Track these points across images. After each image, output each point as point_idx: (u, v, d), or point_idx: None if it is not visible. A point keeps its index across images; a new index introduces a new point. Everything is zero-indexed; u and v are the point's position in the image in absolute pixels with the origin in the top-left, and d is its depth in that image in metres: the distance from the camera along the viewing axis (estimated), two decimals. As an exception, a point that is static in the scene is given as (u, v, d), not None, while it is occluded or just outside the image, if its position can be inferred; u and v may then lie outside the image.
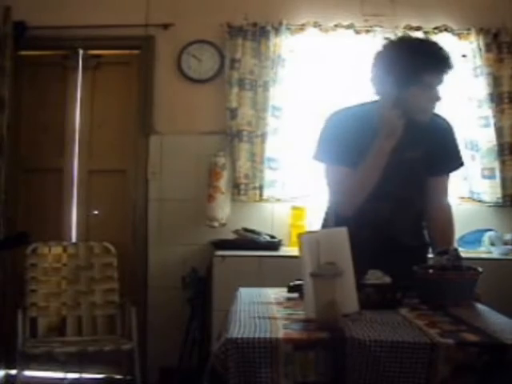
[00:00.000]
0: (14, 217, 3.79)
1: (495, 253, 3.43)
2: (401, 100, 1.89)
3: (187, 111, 3.82)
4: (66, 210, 3.90)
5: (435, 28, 3.67)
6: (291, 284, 1.94)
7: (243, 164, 3.67)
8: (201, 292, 3.55)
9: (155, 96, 3.83)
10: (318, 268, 1.53)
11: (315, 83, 3.74)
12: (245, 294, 1.96)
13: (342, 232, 1.67)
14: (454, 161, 2.15)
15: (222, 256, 3.32)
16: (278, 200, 3.70)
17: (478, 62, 3.62)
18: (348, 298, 1.58)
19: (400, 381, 1.33)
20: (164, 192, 3.81)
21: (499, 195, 3.61)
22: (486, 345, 1.34)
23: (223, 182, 3.60)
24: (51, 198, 3.91)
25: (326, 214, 2.23)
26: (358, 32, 3.70)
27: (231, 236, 3.58)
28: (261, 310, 1.69)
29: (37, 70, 3.91)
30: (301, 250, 1.58)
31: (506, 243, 3.46)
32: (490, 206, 3.67)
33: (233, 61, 3.69)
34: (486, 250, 3.50)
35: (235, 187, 3.68)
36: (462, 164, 2.17)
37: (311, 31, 3.71)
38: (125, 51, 3.94)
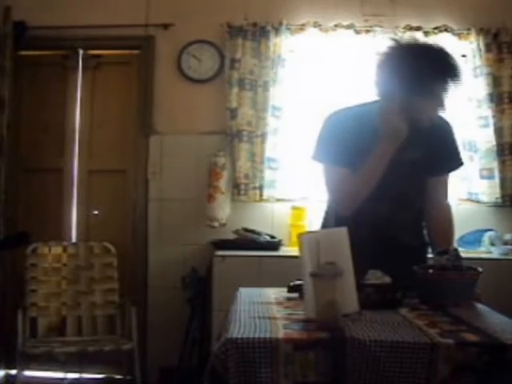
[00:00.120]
0: (14, 217, 3.79)
1: (495, 253, 3.43)
2: (406, 105, 1.87)
3: (187, 111, 3.82)
4: (66, 210, 3.90)
5: (435, 28, 3.68)
6: (291, 284, 1.94)
7: (243, 164, 3.67)
8: (201, 292, 3.55)
9: (155, 96, 3.83)
10: (318, 268, 1.53)
11: (315, 83, 3.74)
12: (245, 294, 1.96)
13: (342, 232, 1.66)
14: (453, 160, 2.14)
15: (222, 256, 3.32)
16: (278, 200, 3.70)
17: (478, 62, 3.63)
18: (348, 297, 1.58)
19: (400, 381, 1.33)
20: (164, 192, 3.81)
21: (498, 195, 3.61)
22: (486, 345, 1.34)
23: (223, 182, 3.60)
24: (51, 198, 3.91)
25: (326, 213, 2.23)
26: (357, 32, 3.70)
27: (231, 236, 3.58)
28: (261, 310, 1.69)
29: (37, 70, 3.91)
30: (301, 249, 1.58)
31: (505, 243, 3.46)
32: (489, 206, 3.67)
33: (233, 61, 3.69)
34: (486, 250, 3.50)
35: (235, 187, 3.68)
36: (461, 164, 2.17)
37: (311, 31, 3.71)
38: (125, 51, 3.94)
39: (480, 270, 1.80)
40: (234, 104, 3.67)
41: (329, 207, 2.19)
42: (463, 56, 3.66)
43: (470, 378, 1.32)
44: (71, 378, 3.65)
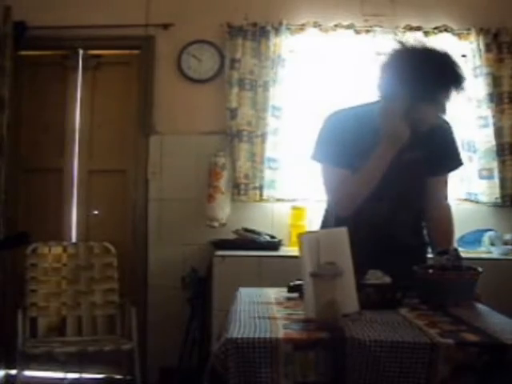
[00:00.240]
0: (14, 217, 3.79)
1: (495, 253, 3.43)
2: (408, 108, 1.86)
3: (187, 111, 3.82)
4: (66, 210, 3.90)
5: (435, 28, 3.68)
6: (291, 284, 1.94)
7: (243, 164, 3.67)
8: (201, 292, 3.55)
9: (155, 96, 3.83)
10: (318, 268, 1.53)
11: (315, 83, 3.75)
12: (245, 294, 1.96)
13: (342, 232, 1.66)
14: (453, 160, 2.14)
15: (222, 256, 3.32)
16: (278, 200, 3.70)
17: (478, 62, 3.63)
18: (348, 297, 1.58)
19: (400, 381, 1.33)
20: (164, 192, 3.81)
21: (497, 195, 3.61)
22: (486, 345, 1.34)
23: (223, 182, 3.60)
24: (51, 198, 3.91)
25: (326, 211, 2.23)
26: (357, 32, 3.70)
27: (231, 236, 3.58)
28: (261, 310, 1.69)
29: (37, 70, 3.91)
30: (301, 249, 1.58)
31: (505, 243, 3.46)
32: (489, 206, 3.67)
33: (233, 61, 3.69)
34: (486, 250, 3.50)
35: (235, 187, 3.68)
36: (461, 164, 2.17)
37: (311, 31, 3.71)
38: (125, 51, 3.94)
39: (480, 269, 1.80)
40: (234, 104, 3.67)
41: (328, 207, 2.19)
42: (463, 56, 3.67)
43: (470, 378, 1.32)
44: (71, 377, 3.65)
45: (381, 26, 3.68)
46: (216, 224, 3.60)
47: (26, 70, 3.87)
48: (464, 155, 3.46)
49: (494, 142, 3.61)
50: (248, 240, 3.52)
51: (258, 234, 3.57)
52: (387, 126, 1.90)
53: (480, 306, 1.77)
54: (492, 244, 3.49)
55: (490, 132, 3.61)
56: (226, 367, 1.34)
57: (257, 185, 3.68)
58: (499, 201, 3.61)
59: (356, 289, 1.62)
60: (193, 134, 3.81)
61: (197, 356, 3.52)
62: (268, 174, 3.66)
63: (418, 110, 1.86)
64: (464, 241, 3.51)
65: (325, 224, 2.20)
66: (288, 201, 3.70)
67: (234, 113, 3.67)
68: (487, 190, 3.63)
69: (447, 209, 2.15)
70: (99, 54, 3.93)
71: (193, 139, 3.80)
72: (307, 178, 3.61)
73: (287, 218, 3.68)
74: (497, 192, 3.61)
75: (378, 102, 1.99)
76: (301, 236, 1.61)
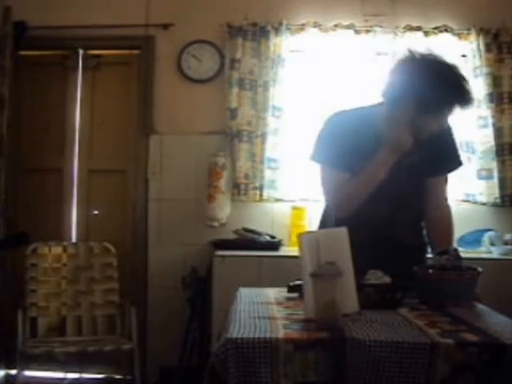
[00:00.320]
0: (14, 217, 3.79)
1: (495, 253, 3.43)
2: (413, 118, 1.86)
3: (187, 111, 3.82)
4: (66, 210, 3.90)
5: (435, 28, 3.68)
6: (291, 284, 1.94)
7: (243, 164, 3.67)
8: (201, 292, 3.55)
9: (155, 96, 3.83)
10: (318, 268, 1.53)
11: (315, 83, 3.74)
12: (245, 294, 1.96)
13: (342, 232, 1.67)
14: (452, 161, 2.14)
15: (222, 256, 3.32)
16: (278, 200, 3.70)
17: (478, 62, 3.63)
18: (348, 297, 1.58)
19: (400, 381, 1.33)
20: (164, 192, 3.81)
21: (497, 195, 3.60)
22: (486, 345, 1.34)
23: (223, 182, 3.60)
24: (51, 198, 3.90)
25: (325, 211, 2.23)
26: (357, 32, 3.70)
27: (231, 236, 3.58)
28: (261, 310, 1.69)
29: (37, 70, 3.91)
30: (301, 249, 1.58)
31: (506, 243, 3.46)
32: (489, 206, 3.67)
33: (233, 61, 3.69)
34: (485, 250, 3.50)
35: (235, 187, 3.68)
36: (460, 164, 2.17)
37: (311, 31, 3.71)
38: (125, 51, 3.94)
39: (480, 269, 1.80)
40: (234, 104, 3.67)
41: (327, 207, 2.19)
42: (463, 56, 3.67)
43: (470, 378, 1.32)
44: (71, 378, 3.65)
45: (381, 26, 3.68)
46: (216, 224, 3.60)
47: (26, 70, 3.87)
48: (463, 156, 3.47)
49: (493, 143, 3.61)
50: (248, 240, 3.52)
51: (258, 234, 3.57)
52: (391, 133, 1.89)
53: (480, 306, 1.77)
54: (492, 244, 3.48)
55: (489, 132, 3.61)
56: (226, 367, 1.34)
57: (257, 185, 3.68)
58: (498, 201, 3.61)
59: (356, 289, 1.63)
60: (193, 134, 3.81)
61: (197, 356, 3.52)
62: (268, 174, 3.65)
63: (422, 120, 1.85)
64: (464, 241, 3.51)
65: (323, 223, 2.20)
66: (288, 201, 3.70)
67: (233, 113, 3.67)
68: (486, 191, 3.63)
69: (447, 209, 2.14)
70: (99, 54, 3.93)
71: (193, 139, 3.80)
72: (307, 178, 3.61)
73: (287, 218, 3.68)
74: (496, 192, 3.60)
75: (379, 104, 1.99)
76: (301, 236, 1.61)
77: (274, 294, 1.96)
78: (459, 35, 3.68)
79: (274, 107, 3.65)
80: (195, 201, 3.73)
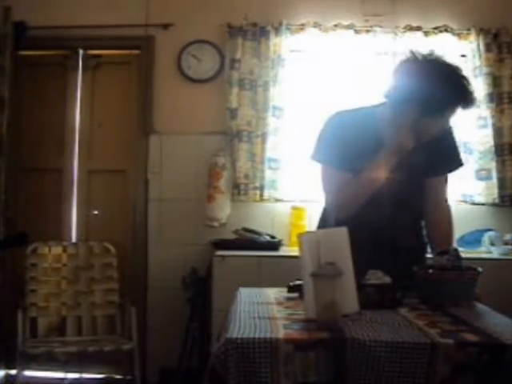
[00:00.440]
0: (14, 217, 3.78)
1: (495, 253, 3.43)
2: (415, 122, 1.86)
3: (187, 111, 3.82)
4: (66, 210, 3.90)
5: (435, 28, 3.68)
6: (291, 284, 1.94)
7: (243, 164, 3.67)
8: (201, 292, 3.55)
9: (155, 96, 3.83)
10: (319, 268, 1.53)
11: (315, 83, 3.74)
12: (245, 294, 1.96)
13: (342, 232, 1.67)
14: (453, 161, 2.14)
15: (222, 256, 3.32)
16: (279, 200, 3.70)
17: (478, 62, 3.63)
18: (348, 298, 1.58)
19: (400, 381, 1.33)
20: (164, 192, 3.81)
21: (495, 196, 3.60)
22: (486, 345, 1.34)
23: (223, 182, 3.60)
24: (51, 198, 3.90)
25: (324, 210, 2.22)
26: (357, 32, 3.70)
27: (231, 236, 3.58)
28: (261, 310, 1.69)
29: (37, 70, 3.91)
30: (301, 249, 1.58)
31: (506, 243, 3.46)
32: (489, 206, 3.67)
33: (233, 61, 3.69)
34: (486, 250, 3.50)
35: (235, 187, 3.68)
36: (461, 164, 2.17)
37: (311, 31, 3.71)
38: (125, 51, 3.94)
39: (480, 269, 1.80)
40: (234, 104, 3.67)
41: (327, 207, 2.19)
42: (463, 56, 3.67)
43: (470, 378, 1.32)
44: (71, 378, 3.65)
45: (381, 26, 3.68)
46: (216, 224, 3.60)
47: (26, 69, 3.87)
48: (462, 156, 3.47)
49: (492, 143, 3.61)
50: (248, 240, 3.52)
51: (258, 234, 3.57)
52: (393, 134, 1.89)
53: (480, 306, 1.78)
54: (492, 244, 3.48)
55: (488, 132, 3.61)
56: (226, 367, 1.34)
57: (257, 185, 3.68)
58: (497, 201, 3.61)
59: (356, 289, 1.62)
60: (193, 134, 3.81)
61: (197, 356, 3.52)
62: (269, 174, 3.65)
63: (425, 121, 1.85)
64: (464, 241, 3.51)
65: (323, 223, 2.20)
66: (288, 201, 3.70)
67: (233, 113, 3.67)
68: (484, 191, 3.63)
69: (447, 209, 2.14)
70: (99, 54, 3.93)
71: (193, 139, 3.80)
72: (307, 178, 3.61)
73: (287, 218, 3.68)
74: (495, 192, 3.60)
75: (380, 104, 1.99)
76: (301, 236, 1.61)
77: (274, 294, 1.96)
78: (459, 35, 3.68)
79: (275, 107, 3.65)
80: (195, 201, 3.72)
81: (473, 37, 3.65)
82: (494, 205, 3.65)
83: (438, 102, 1.80)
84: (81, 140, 3.93)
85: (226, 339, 1.37)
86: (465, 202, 3.67)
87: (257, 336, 1.38)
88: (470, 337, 1.39)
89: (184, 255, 3.72)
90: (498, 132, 3.63)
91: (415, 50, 1.89)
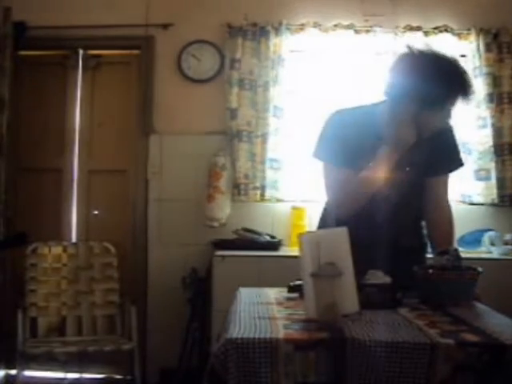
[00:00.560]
0: (14, 217, 3.78)
1: (495, 253, 3.43)
2: (416, 115, 1.86)
3: (187, 111, 3.82)
4: (66, 210, 3.90)
5: (435, 28, 3.68)
6: (291, 284, 1.94)
7: (243, 164, 3.67)
8: (201, 292, 3.55)
9: (155, 96, 3.83)
10: (319, 268, 1.53)
11: (315, 83, 3.74)
12: (245, 294, 1.96)
13: (342, 232, 1.66)
14: (453, 161, 2.14)
15: (222, 256, 3.32)
16: (280, 200, 3.69)
17: (478, 62, 3.63)
18: (348, 298, 1.58)
19: (400, 381, 1.33)
20: (164, 192, 3.81)
21: (494, 196, 3.60)
22: (486, 345, 1.34)
23: (223, 182, 3.60)
24: (51, 198, 3.90)
25: (325, 210, 2.22)
26: (357, 32, 3.70)
27: (231, 236, 3.58)
28: (261, 310, 1.69)
29: (37, 70, 3.91)
30: (301, 250, 1.58)
31: (506, 243, 3.46)
32: (489, 206, 3.67)
33: (233, 61, 3.69)
34: (486, 250, 3.50)
35: (235, 187, 3.68)
36: (461, 164, 2.17)
37: (311, 31, 3.71)
38: (125, 51, 3.94)
39: (480, 269, 1.80)
40: (234, 104, 3.67)
41: (327, 206, 2.19)
42: (463, 56, 3.66)
43: (470, 378, 1.32)
44: (71, 378, 3.65)
45: (381, 26, 3.68)
46: (216, 224, 3.60)
47: (26, 69, 3.87)
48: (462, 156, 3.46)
49: (491, 143, 3.61)
50: (248, 240, 3.52)
51: (258, 234, 3.57)
52: (394, 129, 1.89)
53: (480, 306, 1.77)
54: (492, 244, 3.49)
55: (487, 132, 3.61)
56: (226, 367, 1.34)
57: (257, 185, 3.68)
58: (496, 201, 3.61)
59: (356, 289, 1.62)
60: (193, 134, 3.81)
61: (197, 356, 3.52)
62: (269, 175, 3.65)
63: (425, 116, 1.85)
64: (464, 241, 3.51)
65: (323, 223, 2.19)
66: (288, 201, 3.70)
67: (233, 113, 3.67)
68: (484, 191, 3.63)
69: (447, 209, 2.14)
70: (99, 54, 3.94)
71: (193, 139, 3.80)
72: (308, 178, 3.61)
73: (287, 218, 3.68)
74: (494, 193, 3.61)
75: (380, 103, 1.99)
76: (301, 236, 1.61)
77: (275, 294, 1.96)
78: (459, 35, 3.68)
79: (274, 107, 3.64)
80: (195, 201, 3.72)
81: (473, 37, 3.65)
82: (493, 205, 3.65)
83: (438, 93, 1.80)
84: (81, 140, 3.93)
85: (225, 339, 1.37)
86: (463, 202, 3.66)
87: (257, 336, 1.38)
88: (470, 337, 1.39)
89: (184, 255, 3.72)
90: (497, 132, 3.63)
91: (411, 44, 1.89)
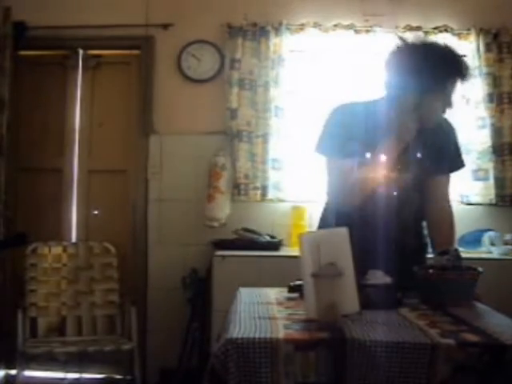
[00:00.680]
0: (14, 217, 3.78)
1: (495, 253, 3.43)
2: (418, 105, 1.87)
3: (187, 111, 3.82)
4: (66, 210, 3.90)
5: (435, 28, 3.68)
6: (291, 284, 1.94)
7: (243, 164, 3.67)
8: (201, 292, 3.55)
9: (155, 96, 3.83)
10: (319, 268, 1.53)
11: (315, 83, 3.74)
12: (245, 294, 1.96)
13: (343, 232, 1.66)
14: (455, 161, 2.14)
15: (222, 256, 3.32)
16: (282, 201, 3.69)
17: (478, 62, 3.62)
18: (348, 298, 1.58)
19: (400, 381, 1.33)
20: (164, 192, 3.81)
21: (492, 196, 3.60)
22: (487, 345, 1.34)
23: (223, 182, 3.59)
24: (51, 198, 3.90)
25: (325, 210, 2.22)
26: (357, 32, 3.70)
27: (231, 236, 3.57)
28: (261, 310, 1.69)
29: (37, 70, 3.91)
30: (301, 250, 1.58)
31: (506, 243, 3.46)
32: (489, 206, 3.67)
33: (233, 61, 3.69)
34: (486, 250, 3.50)
35: (235, 187, 3.68)
36: (463, 165, 2.17)
37: (311, 31, 3.71)
38: (125, 51, 3.94)
39: (480, 269, 1.80)
40: (234, 104, 3.67)
41: (328, 204, 2.19)
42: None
43: (471, 378, 1.32)
44: (71, 377, 3.65)
45: (381, 26, 3.68)
46: (216, 224, 3.59)
47: (26, 69, 3.86)
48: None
49: (489, 143, 3.61)
50: (248, 240, 3.52)
51: (258, 234, 3.57)
52: (396, 120, 1.90)
53: (480, 306, 1.78)
54: (492, 244, 3.48)
55: (486, 133, 3.61)
56: (226, 367, 1.34)
57: (257, 185, 3.68)
58: (494, 201, 3.61)
59: (356, 289, 1.62)
60: (193, 134, 3.80)
61: (197, 356, 3.52)
62: (271, 175, 3.64)
63: (426, 103, 1.86)
64: (464, 241, 3.51)
65: (323, 223, 2.19)
66: (288, 201, 3.70)
67: (234, 113, 3.67)
68: (482, 191, 3.63)
69: (448, 210, 2.14)
70: (99, 54, 3.93)
71: (193, 139, 3.80)
72: (308, 178, 3.61)
73: (288, 218, 3.67)
74: (492, 193, 3.61)
75: (381, 98, 2.00)
76: (301, 236, 1.61)
77: (275, 294, 1.96)
78: (459, 35, 3.68)
79: (274, 107, 3.64)
80: (195, 201, 3.72)
81: (473, 37, 3.65)
82: (490, 205, 3.65)
83: (436, 77, 1.82)
84: (81, 140, 3.93)
85: (226, 339, 1.37)
86: (462, 202, 3.66)
87: (257, 336, 1.38)
88: (471, 337, 1.39)
89: (184, 255, 3.72)
90: (498, 132, 3.63)
91: (403, 36, 1.93)
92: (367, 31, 3.70)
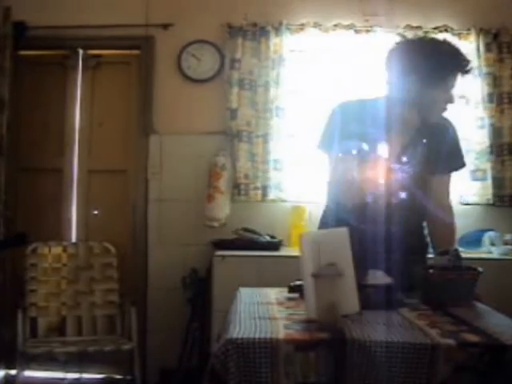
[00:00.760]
0: (14, 217, 3.78)
1: (495, 253, 3.43)
2: (419, 100, 1.88)
3: (187, 111, 3.82)
4: (66, 210, 3.90)
5: (435, 28, 3.67)
6: (292, 284, 1.94)
7: (243, 164, 3.67)
8: (201, 292, 3.55)
9: (155, 96, 3.83)
10: (319, 269, 1.53)
11: (315, 83, 3.74)
12: (245, 294, 1.96)
13: (343, 232, 1.66)
14: (455, 161, 2.15)
15: (222, 256, 3.32)
16: (283, 201, 3.69)
17: (478, 62, 3.62)
18: (349, 298, 1.58)
19: (400, 381, 1.33)
20: (164, 192, 3.81)
21: (490, 196, 3.60)
22: (487, 345, 1.34)
23: (223, 182, 3.59)
24: (51, 198, 3.90)
25: (325, 211, 2.22)
26: (357, 32, 3.70)
27: (231, 236, 3.57)
28: (261, 310, 1.69)
29: (37, 70, 3.91)
30: (301, 250, 1.58)
31: (506, 243, 3.46)
32: (489, 206, 3.67)
33: (233, 61, 3.69)
34: (486, 250, 3.50)
35: (235, 187, 3.68)
36: (463, 165, 2.17)
37: (311, 31, 3.71)
38: (125, 51, 3.94)
39: (480, 270, 1.80)
40: (234, 104, 3.67)
41: (328, 204, 2.19)
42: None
43: (471, 378, 1.32)
44: (71, 377, 3.65)
45: (381, 26, 3.68)
46: (216, 224, 3.59)
47: (26, 69, 3.86)
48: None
49: (488, 143, 3.61)
50: (248, 240, 3.52)
51: (258, 234, 3.57)
52: (398, 115, 1.91)
53: (480, 306, 1.78)
54: (492, 244, 3.48)
55: (485, 133, 3.61)
56: (226, 368, 1.34)
57: (257, 185, 3.68)
58: (491, 201, 3.61)
59: (356, 289, 1.62)
60: (193, 134, 3.80)
61: (197, 356, 3.52)
62: (273, 175, 3.64)
63: (427, 98, 1.87)
64: (464, 241, 3.51)
65: (323, 223, 2.19)
66: (289, 201, 3.69)
67: (234, 113, 3.67)
68: (480, 191, 3.63)
69: (449, 209, 2.14)
70: (99, 54, 3.93)
71: (193, 139, 3.80)
72: (308, 179, 3.61)
73: (288, 218, 3.67)
74: (489, 193, 3.61)
75: (383, 96, 2.01)
76: (301, 236, 1.61)
77: (275, 294, 1.96)
78: (459, 35, 3.68)
79: (274, 107, 3.64)
80: (195, 201, 3.72)
81: (473, 37, 3.65)
82: (488, 205, 3.65)
83: (437, 71, 1.84)
84: (81, 140, 3.93)
85: (226, 339, 1.37)
86: (461, 202, 3.66)
87: (257, 336, 1.38)
88: (471, 337, 1.39)
89: (184, 255, 3.72)
90: (497, 132, 3.63)
91: (402, 34, 1.96)
92: (367, 31, 3.70)
